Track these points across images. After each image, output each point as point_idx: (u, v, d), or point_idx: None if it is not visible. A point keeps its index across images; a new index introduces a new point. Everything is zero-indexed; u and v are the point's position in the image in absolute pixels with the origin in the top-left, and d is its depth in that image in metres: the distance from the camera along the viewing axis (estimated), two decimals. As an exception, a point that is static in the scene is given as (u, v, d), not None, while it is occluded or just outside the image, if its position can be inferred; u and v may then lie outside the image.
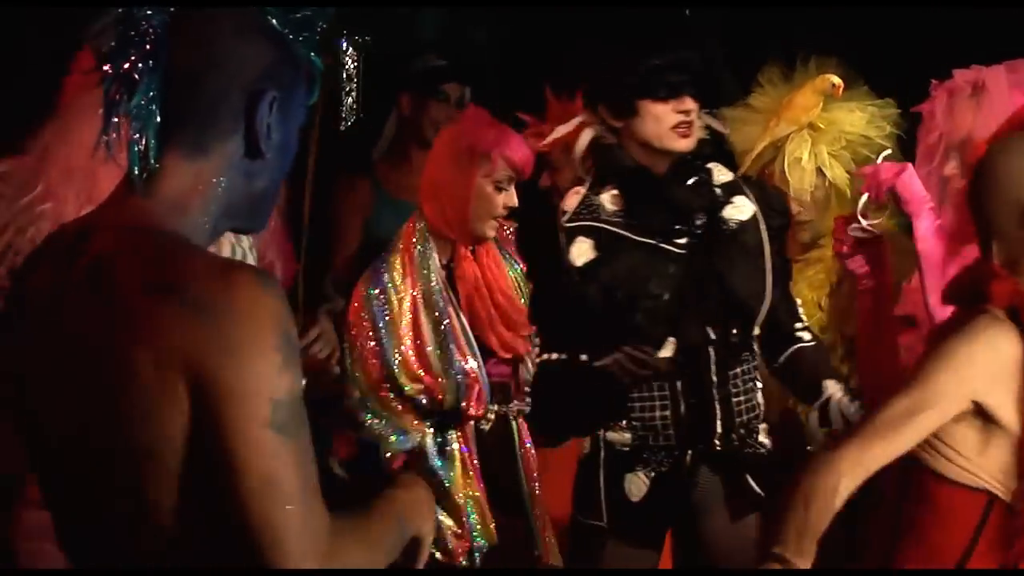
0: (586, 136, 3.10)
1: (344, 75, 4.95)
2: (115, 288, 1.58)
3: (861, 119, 3.43)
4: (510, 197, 3.49)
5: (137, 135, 1.63)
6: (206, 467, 1.56)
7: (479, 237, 3.51)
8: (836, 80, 3.38)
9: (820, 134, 3.47)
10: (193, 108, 1.65)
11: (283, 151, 1.71)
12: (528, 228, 3.19)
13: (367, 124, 4.52)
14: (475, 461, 3.48)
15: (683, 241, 3.03)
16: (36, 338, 1.66)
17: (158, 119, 1.63)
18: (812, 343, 3.16)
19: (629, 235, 3.03)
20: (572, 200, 3.11)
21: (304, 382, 1.61)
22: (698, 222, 3.04)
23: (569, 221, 3.07)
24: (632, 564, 3.10)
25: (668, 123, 3.00)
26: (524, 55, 4.67)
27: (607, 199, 3.08)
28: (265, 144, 1.67)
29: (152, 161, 1.64)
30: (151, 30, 1.63)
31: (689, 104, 3.00)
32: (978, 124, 3.03)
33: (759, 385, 3.15)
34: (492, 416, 3.52)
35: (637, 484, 3.05)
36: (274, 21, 1.69)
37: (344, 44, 4.88)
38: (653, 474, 3.05)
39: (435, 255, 3.49)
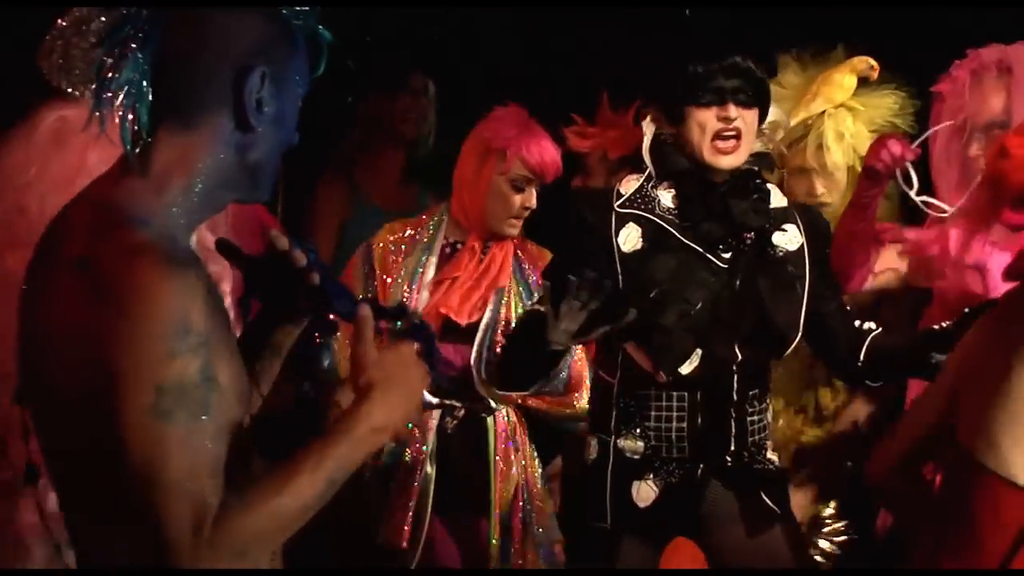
0: (649, 131, 3.03)
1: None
2: (52, 263, 1.67)
3: (892, 105, 3.43)
4: (528, 197, 3.53)
5: (128, 111, 1.68)
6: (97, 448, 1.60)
7: (496, 233, 3.55)
8: (873, 62, 3.41)
9: (856, 114, 3.46)
10: (182, 84, 1.70)
11: (278, 123, 1.76)
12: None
13: (325, 123, 4.42)
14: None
15: (728, 256, 2.97)
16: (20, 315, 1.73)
17: (150, 96, 1.68)
18: (879, 330, 3.08)
19: (678, 235, 2.97)
20: (629, 185, 3.04)
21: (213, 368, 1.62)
22: (748, 240, 2.98)
23: (622, 206, 3.00)
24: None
25: (711, 131, 2.91)
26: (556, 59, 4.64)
27: (664, 194, 3.02)
28: (255, 118, 1.72)
29: (145, 136, 1.69)
30: (143, 11, 1.69)
31: (732, 111, 2.90)
32: (1014, 105, 3.06)
33: (770, 405, 3.14)
34: (459, 415, 3.50)
35: (646, 491, 3.00)
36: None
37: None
38: (663, 484, 3.01)
39: (442, 234, 3.56)
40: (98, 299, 1.58)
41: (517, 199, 3.51)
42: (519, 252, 3.64)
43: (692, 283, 2.92)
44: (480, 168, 3.53)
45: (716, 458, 3.01)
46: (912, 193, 3.18)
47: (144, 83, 1.68)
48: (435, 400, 3.38)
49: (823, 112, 3.49)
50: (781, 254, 3.01)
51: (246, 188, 1.79)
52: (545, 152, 3.54)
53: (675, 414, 3.00)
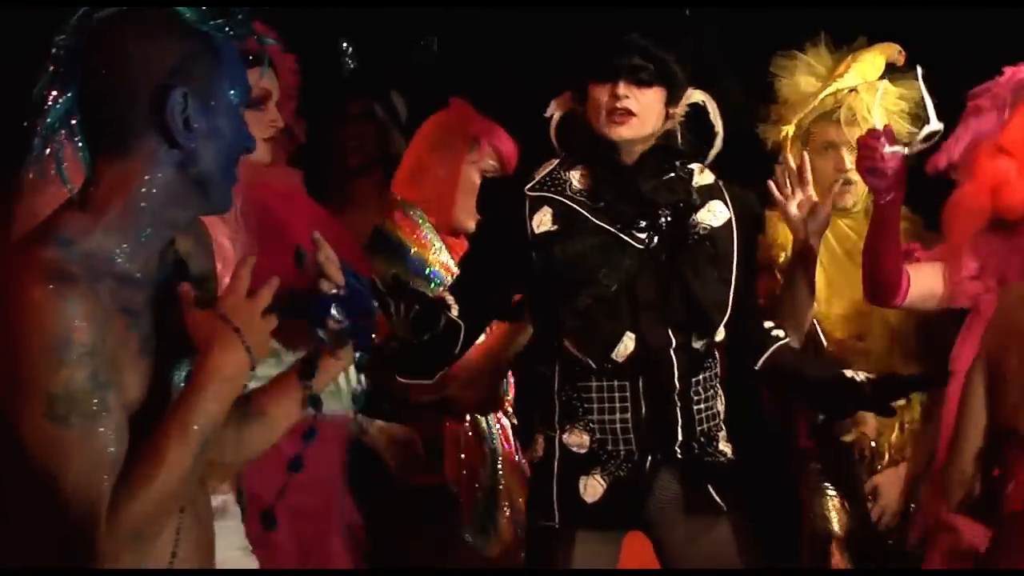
0: (557, 112, 3.01)
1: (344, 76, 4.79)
2: None
3: (918, 93, 3.33)
4: None
5: (62, 151, 1.78)
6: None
7: (459, 228, 3.49)
8: (901, 49, 3.41)
9: (886, 93, 3.42)
10: (110, 113, 1.78)
11: (214, 136, 1.81)
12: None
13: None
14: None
15: (644, 236, 2.92)
16: None
17: (79, 133, 1.79)
18: (788, 339, 3.08)
19: (590, 217, 2.92)
20: (542, 170, 3.01)
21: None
22: (663, 219, 2.93)
23: (532, 189, 2.97)
24: (586, 566, 2.98)
25: (605, 108, 2.89)
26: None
27: (575, 176, 2.97)
28: (183, 136, 1.78)
29: (86, 171, 1.79)
30: (62, 52, 1.78)
31: (622, 89, 2.87)
32: None
33: (720, 392, 3.05)
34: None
35: (593, 486, 2.94)
36: (188, 15, 1.80)
37: (344, 44, 4.70)
38: (610, 478, 2.94)
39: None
40: None
41: None
42: None
43: (607, 265, 2.87)
44: (451, 158, 3.48)
45: (663, 449, 2.94)
46: (915, 148, 3.11)
47: (73, 121, 1.78)
48: None
49: (853, 89, 3.45)
50: (705, 231, 2.95)
51: (197, 202, 1.85)
52: (511, 143, 3.53)
53: (618, 405, 2.93)
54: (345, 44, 4.64)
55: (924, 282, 3.28)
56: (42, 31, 1.85)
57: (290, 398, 1.95)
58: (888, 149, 3.06)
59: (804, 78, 3.49)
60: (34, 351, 1.68)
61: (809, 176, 3.25)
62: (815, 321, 3.43)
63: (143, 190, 1.79)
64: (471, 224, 3.51)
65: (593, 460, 2.95)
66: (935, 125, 3.11)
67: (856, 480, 3.53)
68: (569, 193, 2.94)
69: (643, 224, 2.92)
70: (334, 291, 1.91)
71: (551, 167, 3.00)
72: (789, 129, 3.50)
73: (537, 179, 2.98)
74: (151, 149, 1.79)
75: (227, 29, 1.83)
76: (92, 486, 1.69)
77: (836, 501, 3.54)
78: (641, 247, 2.91)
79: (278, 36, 3.39)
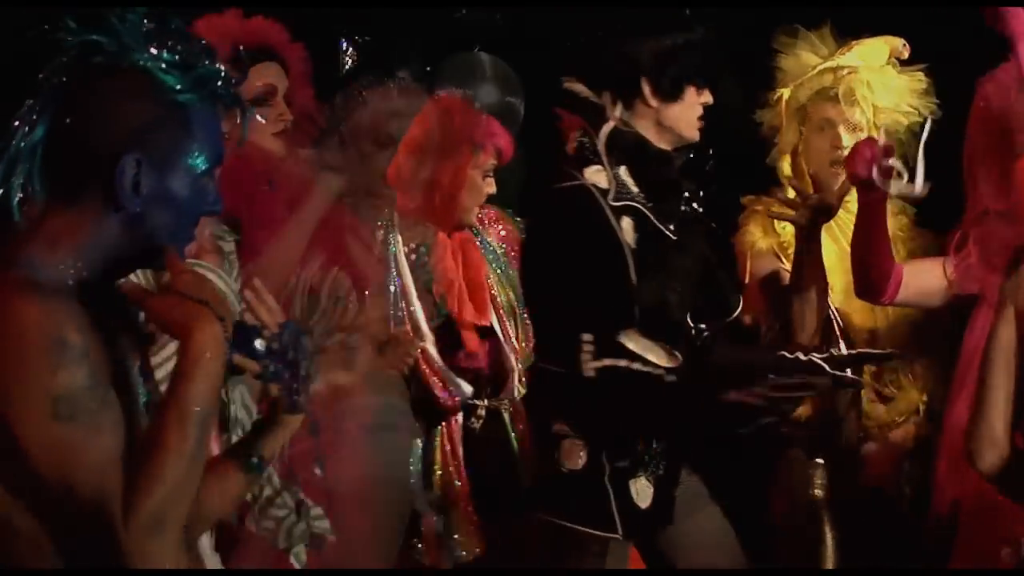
0: (607, 128, 2.92)
1: (344, 76, 4.83)
2: None
3: (919, 87, 3.38)
4: (491, 184, 3.55)
5: (22, 178, 1.78)
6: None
7: (463, 224, 3.55)
8: (906, 43, 3.41)
9: (886, 79, 3.43)
10: (65, 163, 1.79)
11: (166, 202, 1.81)
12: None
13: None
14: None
15: (673, 228, 2.96)
16: None
17: (37, 171, 1.78)
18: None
19: (653, 219, 2.92)
20: (599, 177, 2.90)
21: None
22: (693, 214, 3.00)
23: (614, 200, 2.89)
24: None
25: (697, 113, 2.94)
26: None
27: (628, 180, 2.94)
28: (129, 201, 1.78)
29: (38, 203, 1.80)
30: (44, 87, 1.79)
31: (709, 97, 2.95)
32: None
33: None
34: (482, 413, 3.50)
35: (643, 489, 2.91)
36: (167, 80, 1.79)
37: (344, 44, 4.73)
38: (653, 478, 2.92)
39: (399, 243, 3.46)
40: None
41: (486, 188, 3.52)
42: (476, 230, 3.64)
43: (677, 267, 2.92)
44: (456, 164, 3.48)
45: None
46: (892, 191, 3.10)
47: (37, 153, 1.79)
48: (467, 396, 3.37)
49: (854, 71, 3.44)
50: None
51: (143, 260, 1.87)
52: (507, 135, 3.57)
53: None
54: (344, 43, 4.65)
55: (923, 278, 3.27)
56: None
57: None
58: (883, 163, 3.06)
59: (806, 54, 3.48)
60: (31, 357, 1.68)
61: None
62: (833, 310, 3.43)
63: (88, 243, 1.80)
64: (472, 218, 3.55)
65: (636, 462, 2.91)
66: (920, 189, 3.12)
67: (846, 447, 3.53)
68: (640, 200, 2.91)
69: (682, 222, 2.97)
70: (263, 330, 1.94)
71: (602, 172, 2.91)
72: (785, 92, 3.48)
73: (611, 188, 2.89)
74: (98, 207, 1.79)
75: (212, 94, 1.83)
76: (104, 483, 1.70)
77: (820, 470, 3.53)
78: (675, 239, 2.94)
79: (285, 25, 3.42)
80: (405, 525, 3.34)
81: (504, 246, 3.71)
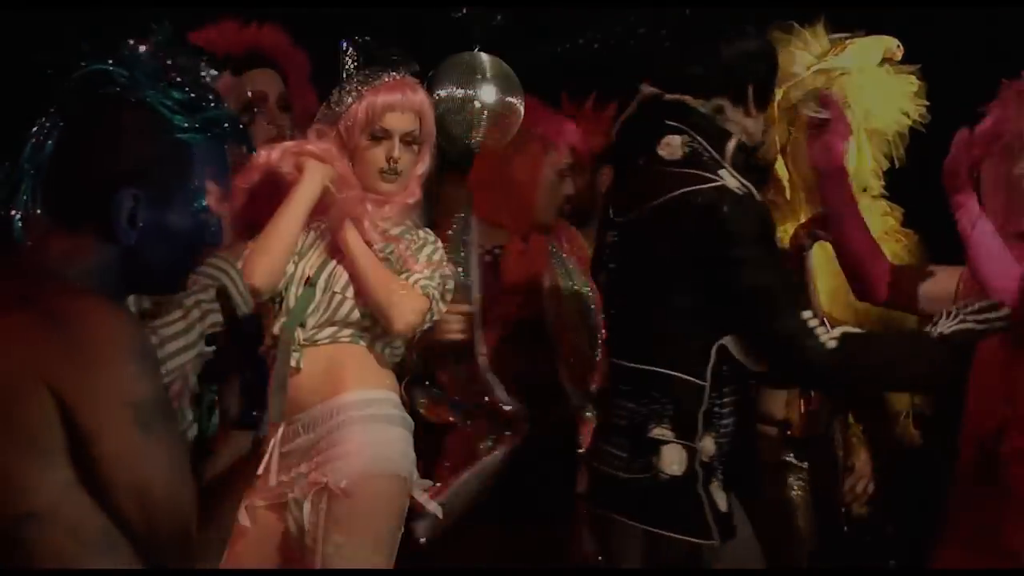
0: (733, 142, 2.95)
1: (345, 76, 4.81)
2: None
3: (910, 91, 3.42)
4: (570, 185, 3.56)
5: (26, 196, 1.83)
6: (84, 474, 1.70)
7: (542, 225, 3.55)
8: (900, 43, 3.44)
9: (878, 83, 3.46)
10: (68, 190, 1.83)
11: (163, 235, 1.85)
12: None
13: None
14: None
15: None
16: None
17: (37, 191, 1.83)
18: None
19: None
20: (733, 182, 2.89)
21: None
22: None
23: (759, 200, 2.96)
24: None
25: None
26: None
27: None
28: (125, 234, 1.81)
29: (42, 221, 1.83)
30: (58, 105, 1.83)
31: None
32: None
33: None
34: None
35: (720, 495, 2.91)
36: (175, 119, 1.83)
37: (345, 45, 4.74)
38: (727, 483, 2.93)
39: (473, 243, 3.52)
40: (55, 332, 1.69)
41: (563, 188, 3.54)
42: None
43: None
44: (531, 164, 3.52)
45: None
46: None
47: (42, 173, 1.83)
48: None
49: (846, 73, 3.47)
50: None
51: (146, 286, 1.94)
52: (581, 135, 3.59)
53: (736, 409, 2.93)
54: (345, 43, 4.67)
55: (937, 283, 3.24)
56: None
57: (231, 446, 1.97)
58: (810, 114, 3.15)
59: (799, 52, 3.51)
60: (114, 365, 1.70)
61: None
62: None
63: (92, 266, 1.83)
64: (550, 218, 3.57)
65: (712, 467, 2.90)
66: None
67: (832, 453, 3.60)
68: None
69: None
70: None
71: (734, 177, 2.91)
72: (778, 92, 3.46)
73: (755, 192, 2.94)
74: (96, 235, 1.83)
75: (220, 135, 1.87)
76: (183, 494, 1.75)
77: (803, 474, 3.59)
78: None
79: (287, 32, 3.45)
80: (403, 520, 3.38)
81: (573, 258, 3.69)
